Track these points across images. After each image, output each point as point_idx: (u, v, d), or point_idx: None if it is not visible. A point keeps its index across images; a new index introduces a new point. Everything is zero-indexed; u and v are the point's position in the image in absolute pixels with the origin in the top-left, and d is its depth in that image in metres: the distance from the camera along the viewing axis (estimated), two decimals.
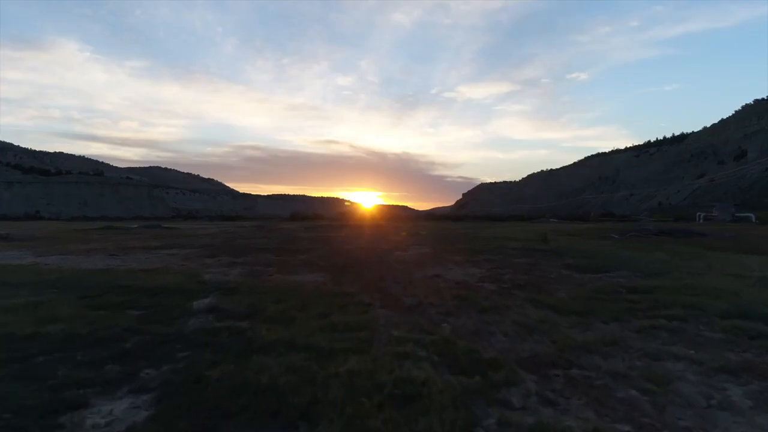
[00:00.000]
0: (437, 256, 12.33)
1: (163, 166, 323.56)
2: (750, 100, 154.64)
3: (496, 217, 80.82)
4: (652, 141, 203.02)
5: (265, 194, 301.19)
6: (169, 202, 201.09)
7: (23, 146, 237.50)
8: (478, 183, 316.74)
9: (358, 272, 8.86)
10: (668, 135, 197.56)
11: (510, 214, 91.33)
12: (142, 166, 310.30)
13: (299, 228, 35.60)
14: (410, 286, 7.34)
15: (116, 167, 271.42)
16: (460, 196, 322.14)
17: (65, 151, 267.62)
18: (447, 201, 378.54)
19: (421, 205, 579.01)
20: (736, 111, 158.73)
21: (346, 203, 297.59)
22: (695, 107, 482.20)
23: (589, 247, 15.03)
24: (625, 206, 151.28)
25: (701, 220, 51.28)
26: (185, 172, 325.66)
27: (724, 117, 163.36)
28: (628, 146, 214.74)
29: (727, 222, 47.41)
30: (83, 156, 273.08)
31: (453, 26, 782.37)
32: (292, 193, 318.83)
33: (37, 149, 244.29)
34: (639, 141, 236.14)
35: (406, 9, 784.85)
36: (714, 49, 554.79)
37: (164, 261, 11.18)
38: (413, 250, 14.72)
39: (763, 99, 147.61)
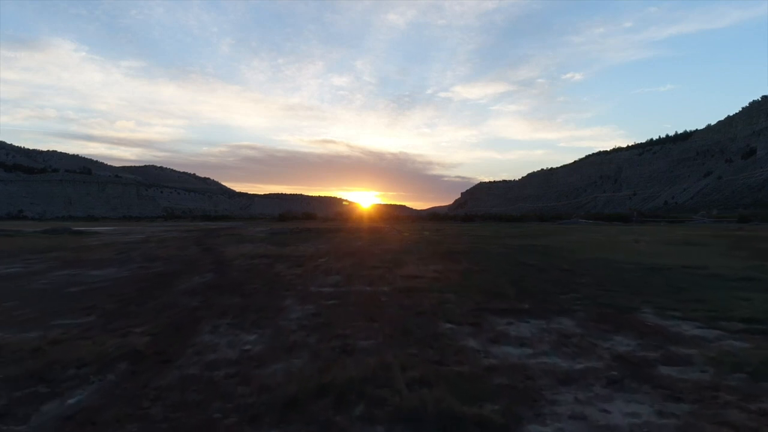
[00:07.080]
0: None
1: (159, 165, 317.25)
2: (757, 97, 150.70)
3: (504, 217, 74.08)
4: (654, 139, 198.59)
5: (262, 194, 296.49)
6: (161, 201, 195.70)
7: (17, 145, 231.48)
8: (476, 183, 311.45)
9: None
10: (667, 134, 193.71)
11: (521, 215, 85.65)
12: (137, 165, 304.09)
13: (266, 235, 24.07)
14: None
15: (110, 166, 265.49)
16: (459, 196, 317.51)
17: (60, 151, 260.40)
18: (445, 201, 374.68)
19: (419, 204, 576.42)
20: (743, 108, 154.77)
21: (344, 203, 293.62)
22: (691, 107, 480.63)
23: None
24: (628, 205, 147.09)
25: None
26: (181, 171, 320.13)
27: (731, 114, 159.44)
28: (630, 144, 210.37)
29: None
30: (77, 155, 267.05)
31: (447, 27, 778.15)
32: (288, 192, 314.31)
33: (30, 148, 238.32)
34: (634, 141, 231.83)
35: (401, 9, 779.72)
36: (708, 49, 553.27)
37: None
38: None
39: None
